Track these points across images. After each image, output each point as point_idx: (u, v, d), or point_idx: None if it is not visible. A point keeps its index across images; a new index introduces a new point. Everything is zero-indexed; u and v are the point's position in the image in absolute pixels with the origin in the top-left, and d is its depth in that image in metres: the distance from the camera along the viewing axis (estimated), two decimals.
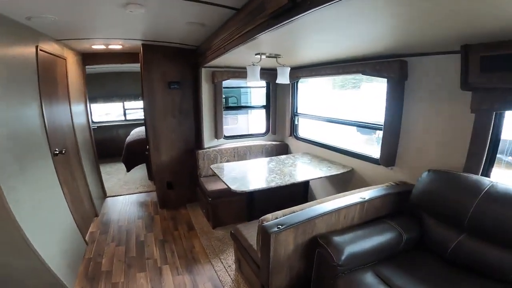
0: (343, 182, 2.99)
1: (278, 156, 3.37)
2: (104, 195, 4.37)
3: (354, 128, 3.36)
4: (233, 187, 2.31)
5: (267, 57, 2.46)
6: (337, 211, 1.81)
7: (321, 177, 2.69)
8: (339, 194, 2.00)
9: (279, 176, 2.62)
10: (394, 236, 1.78)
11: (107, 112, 7.39)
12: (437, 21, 1.33)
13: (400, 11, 1.23)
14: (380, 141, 2.42)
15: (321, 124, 3.53)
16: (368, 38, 1.82)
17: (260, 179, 2.60)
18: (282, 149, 4.03)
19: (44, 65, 2.51)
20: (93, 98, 6.49)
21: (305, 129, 3.84)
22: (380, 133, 2.46)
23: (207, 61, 2.95)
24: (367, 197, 1.93)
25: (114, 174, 5.64)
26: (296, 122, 3.77)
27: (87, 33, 2.79)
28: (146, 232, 3.35)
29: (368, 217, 1.98)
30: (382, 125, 2.39)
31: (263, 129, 4.20)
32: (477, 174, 1.78)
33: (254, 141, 4.01)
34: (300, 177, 2.63)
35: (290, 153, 3.97)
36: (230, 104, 5.83)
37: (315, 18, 1.31)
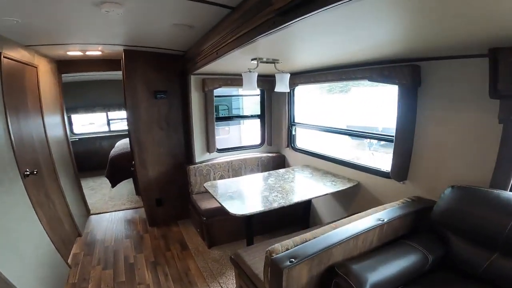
0: (347, 197, 2.76)
1: (277, 171, 3.11)
2: (87, 213, 4.03)
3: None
4: (232, 210, 2.04)
5: (264, 62, 2.22)
6: (356, 236, 1.57)
7: (327, 194, 2.45)
8: (354, 216, 1.76)
9: (281, 194, 2.36)
10: (418, 258, 1.60)
11: (91, 122, 7.00)
12: (466, 21, 1.12)
13: (426, 10, 1.02)
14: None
15: (314, 132, 3.33)
16: (382, 41, 1.61)
17: (260, 198, 2.32)
18: (279, 162, 3.79)
19: (10, 73, 2.20)
20: (74, 108, 6.10)
21: (301, 138, 3.62)
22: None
23: (196, 68, 2.69)
24: (386, 218, 1.70)
25: (98, 189, 5.26)
26: (293, 132, 3.53)
27: (59, 38, 2.48)
28: (136, 253, 3.05)
29: (386, 239, 1.75)
30: (392, 136, 2.18)
31: (257, 140, 3.94)
32: (506, 189, 1.60)
33: (249, 154, 3.75)
34: (304, 195, 2.38)
35: (288, 165, 3.73)
36: (221, 114, 5.55)
37: (325, 17, 1.08)
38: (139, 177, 3.41)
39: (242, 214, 2.00)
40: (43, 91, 2.93)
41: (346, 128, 3.05)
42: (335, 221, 2.49)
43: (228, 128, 5.67)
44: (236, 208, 2.10)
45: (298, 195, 2.37)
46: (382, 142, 5.81)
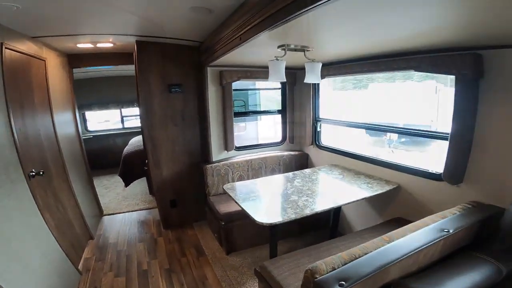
0: (382, 202, 2.46)
1: (303, 171, 2.82)
2: (100, 214, 3.88)
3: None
4: (259, 218, 1.78)
5: (292, 50, 1.94)
6: (417, 252, 1.28)
7: (365, 198, 2.15)
8: (409, 226, 1.48)
9: (311, 198, 2.09)
10: (491, 271, 1.34)
11: (106, 119, 6.96)
12: None
13: None
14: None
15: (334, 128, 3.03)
16: (435, 25, 1.31)
17: (288, 203, 2.05)
18: (302, 161, 3.50)
19: (13, 66, 2.02)
20: (88, 105, 6.03)
21: (325, 135, 3.32)
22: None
23: (214, 58, 2.44)
24: (451, 229, 1.41)
25: (111, 188, 5.15)
26: (318, 129, 3.23)
27: (67, 28, 2.29)
28: (149, 258, 2.87)
29: (447, 251, 1.47)
30: (446, 134, 1.87)
31: (278, 137, 3.66)
32: None
33: (269, 152, 3.48)
34: (338, 199, 2.09)
35: (312, 165, 3.44)
36: (237, 110, 5.30)
37: None
38: (153, 176, 3.21)
39: (271, 223, 1.74)
40: (52, 86, 2.76)
41: (383, 124, 2.72)
42: (368, 228, 2.24)
43: (244, 125, 5.41)
44: (262, 215, 1.84)
45: (332, 199, 2.09)
46: (403, 139, 5.44)
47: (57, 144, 2.72)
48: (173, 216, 3.42)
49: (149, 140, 3.10)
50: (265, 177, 2.83)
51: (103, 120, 6.86)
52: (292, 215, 1.82)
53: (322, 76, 2.82)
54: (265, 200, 2.18)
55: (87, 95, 5.73)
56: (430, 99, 4.40)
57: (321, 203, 2.00)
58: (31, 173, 2.03)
